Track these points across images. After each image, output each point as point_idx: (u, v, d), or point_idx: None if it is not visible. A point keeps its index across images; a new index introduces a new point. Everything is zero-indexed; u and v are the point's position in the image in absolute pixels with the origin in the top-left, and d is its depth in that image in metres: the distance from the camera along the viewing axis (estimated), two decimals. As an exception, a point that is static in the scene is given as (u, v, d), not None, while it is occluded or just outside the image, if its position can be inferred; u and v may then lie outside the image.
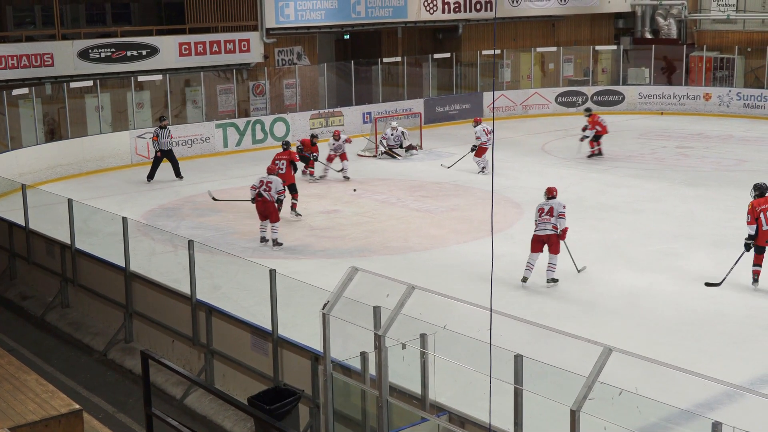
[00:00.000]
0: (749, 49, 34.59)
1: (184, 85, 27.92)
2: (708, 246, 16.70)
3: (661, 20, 38.55)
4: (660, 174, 23.14)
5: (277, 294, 10.46)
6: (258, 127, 27.87)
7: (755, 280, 14.26)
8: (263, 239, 17.27)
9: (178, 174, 23.57)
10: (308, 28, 30.16)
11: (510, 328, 8.46)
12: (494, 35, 36.82)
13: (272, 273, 10.48)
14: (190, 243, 11.84)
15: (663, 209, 19.48)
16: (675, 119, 32.56)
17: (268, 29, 28.88)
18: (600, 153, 25.36)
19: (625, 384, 7.27)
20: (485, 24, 34.73)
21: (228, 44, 28.16)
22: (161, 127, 23.42)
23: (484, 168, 23.57)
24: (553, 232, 14.48)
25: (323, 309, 8.91)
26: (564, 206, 14.76)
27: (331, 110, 29.72)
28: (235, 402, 8.16)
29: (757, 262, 14.21)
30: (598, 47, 36.29)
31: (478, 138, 23.62)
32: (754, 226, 13.97)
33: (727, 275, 14.43)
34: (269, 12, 28.75)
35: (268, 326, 10.53)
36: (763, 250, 14.12)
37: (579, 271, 14.89)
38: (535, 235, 14.63)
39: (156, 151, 23.39)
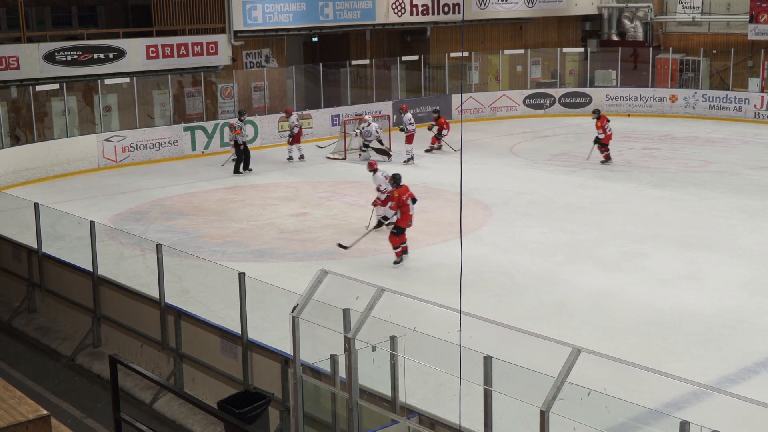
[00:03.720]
0: (714, 51, 34.95)
1: (152, 88, 27.74)
2: (675, 246, 16.84)
3: (627, 23, 38.83)
4: (627, 175, 23.32)
5: (246, 297, 10.44)
6: (227, 129, 27.75)
7: (405, 255, 16.15)
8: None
9: (238, 169, 24.71)
10: (276, 30, 30.10)
11: (479, 329, 8.49)
12: (462, 38, 36.94)
13: (241, 276, 10.45)
14: (159, 247, 11.78)
15: (630, 210, 19.63)
16: (642, 121, 32.84)
17: (235, 32, 28.79)
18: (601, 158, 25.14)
19: (594, 384, 7.33)
20: (453, 26, 34.82)
21: (195, 47, 28.03)
22: (243, 120, 25.18)
23: (411, 159, 25.40)
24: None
25: (293, 312, 8.89)
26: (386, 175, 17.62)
27: (299, 113, 29.66)
28: (205, 406, 8.12)
29: (402, 242, 16.07)
30: (565, 49, 36.48)
31: (411, 124, 25.89)
32: (396, 211, 15.86)
33: (358, 241, 16.58)
34: (237, 14, 28.66)
35: (237, 330, 10.50)
36: (404, 231, 16.00)
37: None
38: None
39: (240, 144, 24.50)
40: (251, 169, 24.61)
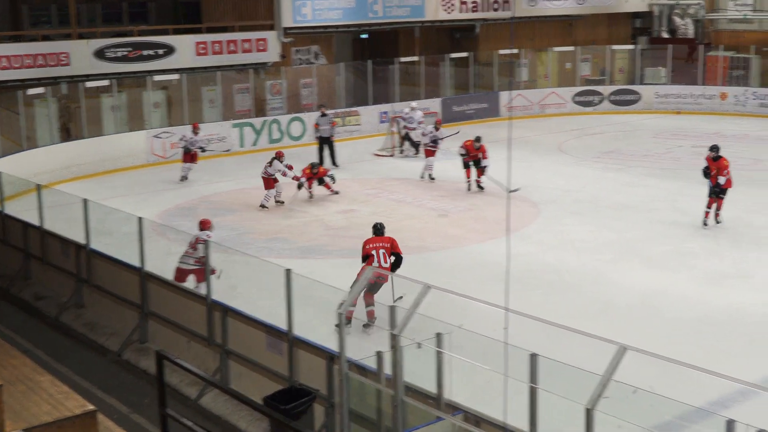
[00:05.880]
0: (766, 49, 34.39)
1: (201, 85, 27.95)
2: (724, 245, 16.61)
3: (678, 20, 38.39)
4: (676, 173, 23.03)
5: (292, 294, 10.46)
6: (275, 126, 27.89)
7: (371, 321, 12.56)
8: None
9: (334, 162, 24.41)
10: (325, 27, 30.18)
11: (526, 327, 8.45)
12: (511, 35, 36.73)
13: (288, 273, 10.48)
14: (206, 243, 11.84)
15: (679, 208, 19.39)
16: (691, 118, 32.41)
17: (285, 29, 28.90)
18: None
19: (640, 382, 7.25)
20: (502, 23, 34.64)
21: (245, 44, 28.21)
22: (322, 115, 24.74)
23: (430, 175, 22.95)
24: (195, 267, 13.07)
25: (339, 309, 8.90)
26: (209, 235, 13.56)
27: (348, 110, 29.73)
28: (250, 402, 8.15)
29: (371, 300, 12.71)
30: (615, 47, 36.14)
31: (442, 139, 23.31)
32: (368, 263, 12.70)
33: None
34: (286, 11, 28.78)
35: (283, 326, 10.53)
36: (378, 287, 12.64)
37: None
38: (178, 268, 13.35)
39: (316, 137, 24.63)
40: (338, 165, 24.28)
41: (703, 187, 20.38)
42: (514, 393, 7.77)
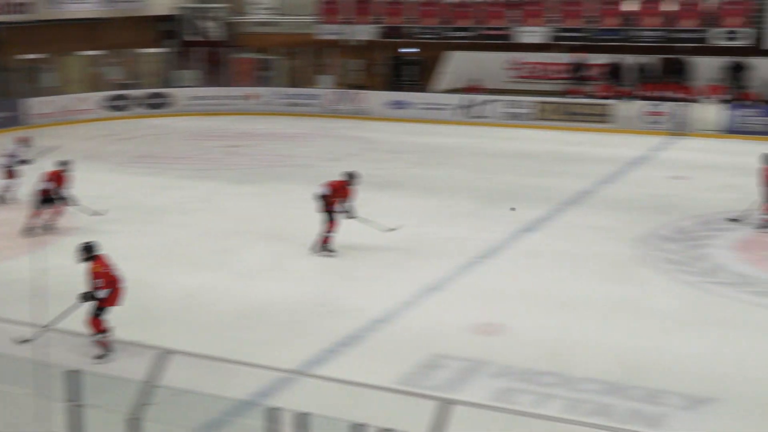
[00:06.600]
0: (290, 51, 36.43)
1: None
2: (262, 239, 17.29)
3: (205, 23, 39.28)
4: (211, 173, 23.57)
5: None
6: None
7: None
8: None
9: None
10: None
11: (65, 343, 8.12)
12: (35, 39, 35.18)
13: None
14: None
15: (216, 208, 19.86)
16: (223, 119, 33.41)
17: None
18: None
19: (188, 384, 7.29)
20: (24, 27, 32.94)
21: None
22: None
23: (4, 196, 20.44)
24: None
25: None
26: None
27: None
28: None
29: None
30: (144, 50, 36.11)
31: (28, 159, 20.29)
32: (108, 290, 11.55)
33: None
34: None
35: None
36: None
37: None
38: None
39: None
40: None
41: (237, 184, 21.19)
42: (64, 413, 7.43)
